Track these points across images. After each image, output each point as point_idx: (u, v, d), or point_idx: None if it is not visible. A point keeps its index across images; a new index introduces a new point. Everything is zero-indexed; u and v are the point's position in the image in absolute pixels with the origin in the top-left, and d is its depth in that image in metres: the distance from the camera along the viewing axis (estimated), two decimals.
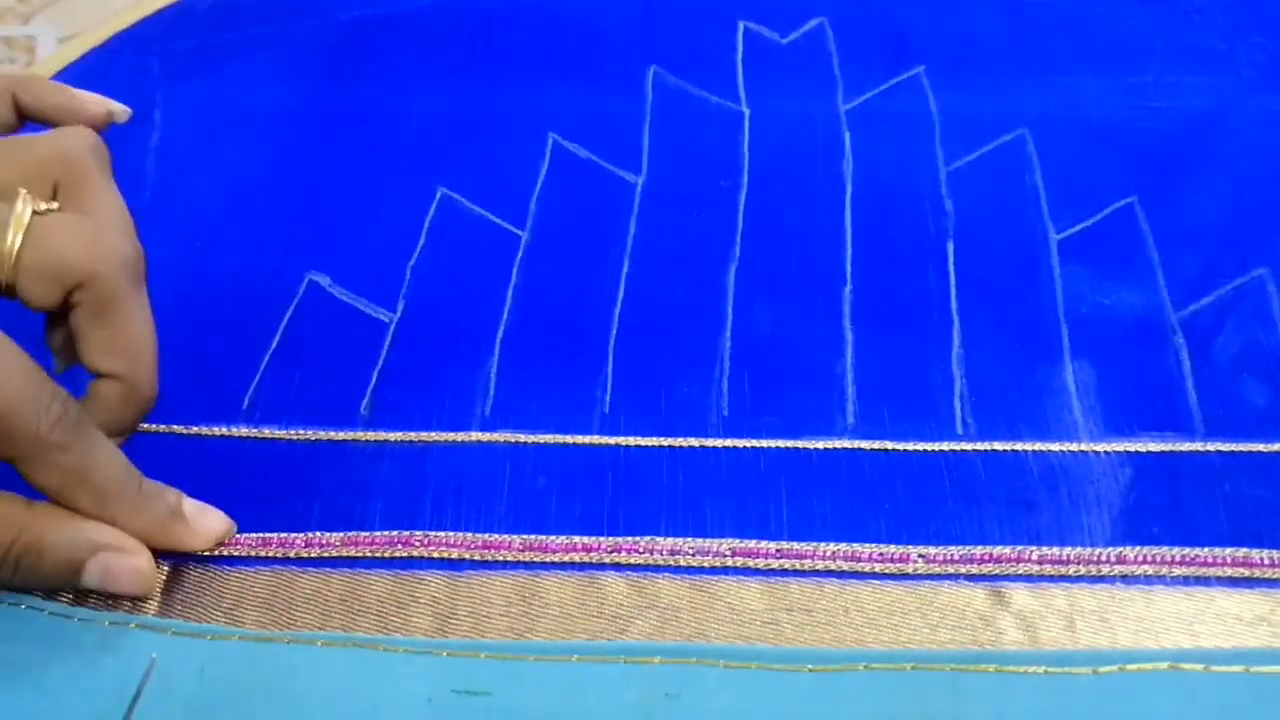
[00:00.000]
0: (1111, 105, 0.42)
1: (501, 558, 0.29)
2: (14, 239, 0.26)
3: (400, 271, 0.37)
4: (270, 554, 0.29)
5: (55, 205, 0.27)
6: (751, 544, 0.29)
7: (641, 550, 0.29)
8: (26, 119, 0.30)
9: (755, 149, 0.41)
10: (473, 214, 0.39)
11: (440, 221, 0.38)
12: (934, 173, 0.40)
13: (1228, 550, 0.29)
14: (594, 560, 0.29)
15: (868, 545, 0.29)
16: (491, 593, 0.28)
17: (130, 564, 0.26)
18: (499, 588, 0.28)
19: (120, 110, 0.31)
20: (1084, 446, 0.31)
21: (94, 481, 0.26)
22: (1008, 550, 0.29)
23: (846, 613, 0.28)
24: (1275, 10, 0.46)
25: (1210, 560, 0.28)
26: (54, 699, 0.26)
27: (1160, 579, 0.28)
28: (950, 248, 0.37)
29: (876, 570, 0.29)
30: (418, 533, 0.29)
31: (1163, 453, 0.31)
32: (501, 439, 0.32)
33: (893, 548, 0.29)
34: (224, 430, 0.32)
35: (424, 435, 0.32)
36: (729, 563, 0.29)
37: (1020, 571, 0.28)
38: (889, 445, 0.31)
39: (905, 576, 0.28)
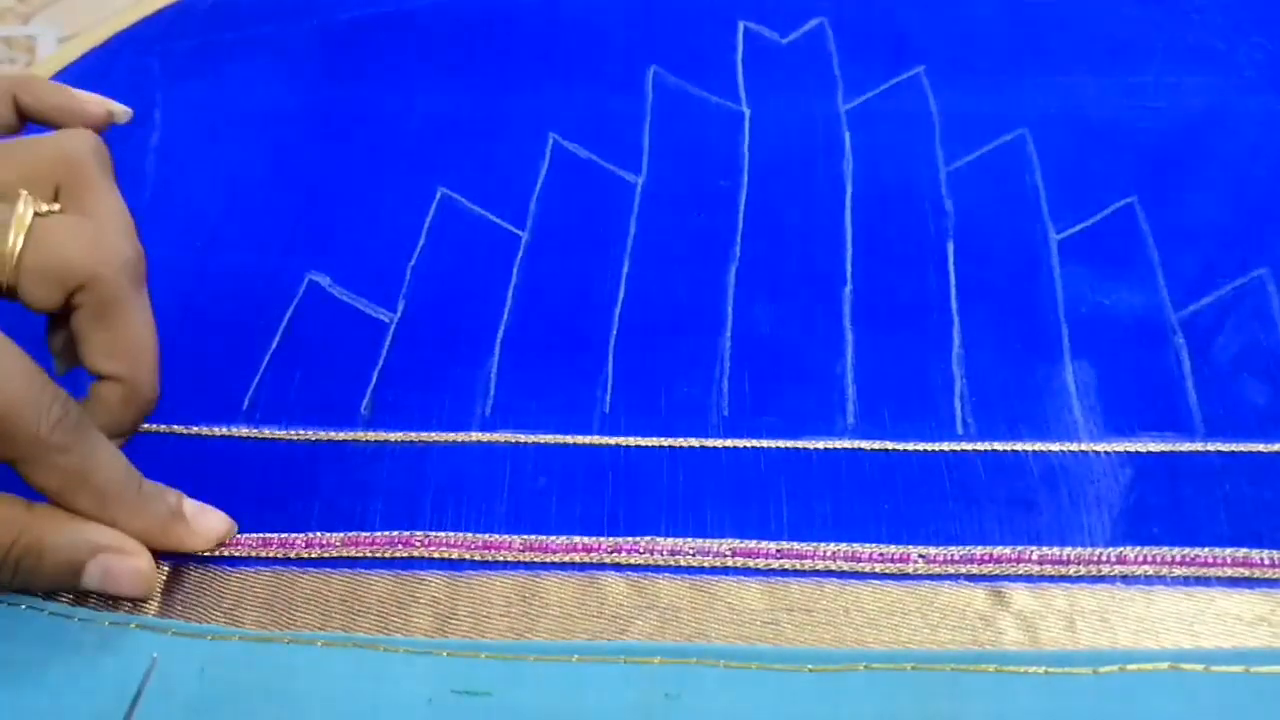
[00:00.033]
0: (1111, 105, 0.42)
1: (502, 558, 0.29)
2: (15, 240, 0.26)
3: (400, 271, 0.37)
4: (270, 554, 0.29)
5: (57, 207, 0.27)
6: (752, 544, 0.29)
7: (642, 550, 0.29)
8: (27, 120, 0.30)
9: (755, 149, 0.41)
10: (473, 214, 0.39)
11: (440, 221, 0.38)
12: (934, 173, 0.40)
13: (1228, 550, 0.29)
14: (594, 560, 0.29)
15: (868, 545, 0.29)
16: (492, 593, 0.28)
17: (130, 565, 0.26)
18: (499, 588, 0.28)
19: (121, 111, 0.31)
20: (1084, 446, 0.31)
21: (94, 483, 0.26)
22: (1008, 550, 0.29)
23: (847, 613, 0.28)
24: (1275, 10, 0.46)
25: (1210, 560, 0.28)
26: (54, 699, 0.26)
27: (1160, 579, 0.28)
28: (950, 248, 0.37)
29: (877, 570, 0.29)
30: (418, 533, 0.29)
31: (1163, 453, 0.31)
32: (502, 439, 0.32)
33: (893, 548, 0.29)
34: (224, 430, 0.32)
35: (424, 435, 0.32)
36: (729, 563, 0.29)
37: (1020, 572, 0.28)
38: (889, 445, 0.31)
39: (905, 577, 0.29)
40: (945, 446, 0.31)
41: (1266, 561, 0.28)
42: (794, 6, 0.47)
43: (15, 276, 0.26)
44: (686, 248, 0.37)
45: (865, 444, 0.31)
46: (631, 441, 0.32)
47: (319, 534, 0.29)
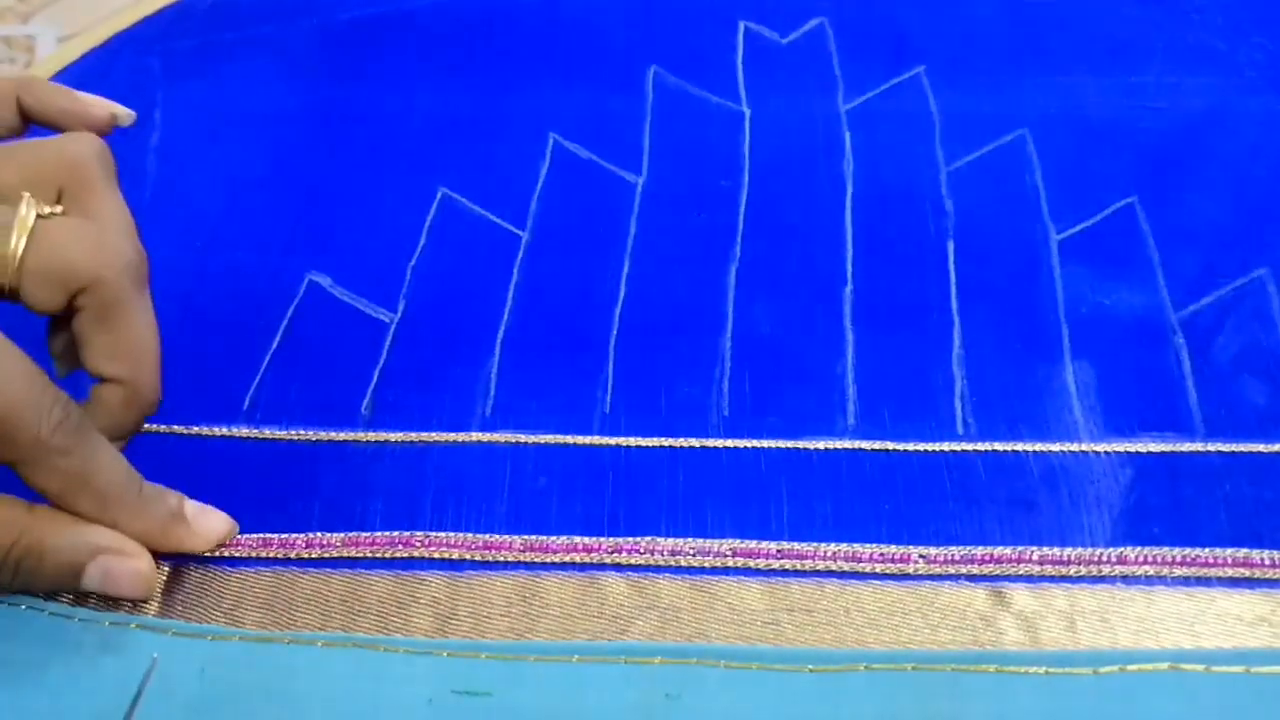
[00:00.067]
0: (1112, 105, 0.42)
1: (502, 558, 0.29)
2: (17, 242, 0.26)
3: (401, 271, 0.37)
4: (271, 555, 0.29)
5: (59, 209, 0.27)
6: (752, 544, 0.29)
7: (642, 550, 0.29)
8: (31, 122, 0.30)
9: (756, 149, 0.41)
10: (473, 214, 0.39)
11: (441, 221, 0.38)
12: (934, 173, 0.40)
13: (1228, 551, 0.29)
14: (594, 560, 0.29)
15: (868, 545, 0.29)
16: (492, 593, 0.28)
17: (130, 567, 0.26)
18: (499, 588, 0.28)
19: (124, 114, 0.31)
20: (1084, 447, 0.31)
21: (95, 485, 0.26)
22: (1008, 550, 0.29)
23: (847, 613, 0.28)
24: (1276, 10, 0.46)
25: (1211, 560, 0.28)
26: (54, 699, 0.26)
27: (1161, 579, 0.28)
28: (950, 248, 0.37)
29: (877, 570, 0.29)
30: (418, 533, 0.29)
31: (1163, 453, 0.31)
32: (502, 439, 0.32)
33: (893, 548, 0.29)
34: (225, 430, 0.32)
35: (424, 435, 0.32)
36: (730, 563, 0.29)
37: (1021, 572, 0.28)
38: (889, 445, 0.31)
39: (906, 577, 0.28)
40: (946, 447, 0.31)
41: (1267, 562, 0.28)
42: (794, 6, 0.47)
43: (17, 278, 0.26)
44: (687, 248, 0.37)
45: (866, 444, 0.31)
46: (632, 441, 0.32)
47: (319, 534, 0.29)
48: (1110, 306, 0.35)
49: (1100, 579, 0.28)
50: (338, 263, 0.37)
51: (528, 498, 0.30)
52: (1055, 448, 0.31)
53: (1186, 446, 0.31)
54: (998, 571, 0.28)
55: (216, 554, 0.29)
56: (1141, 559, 0.29)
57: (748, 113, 0.42)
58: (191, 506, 0.28)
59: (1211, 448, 0.31)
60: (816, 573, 0.29)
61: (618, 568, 0.29)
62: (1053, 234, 0.37)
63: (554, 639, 0.27)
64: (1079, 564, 0.29)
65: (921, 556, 0.29)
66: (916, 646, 0.27)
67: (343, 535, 0.29)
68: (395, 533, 0.29)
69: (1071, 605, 0.28)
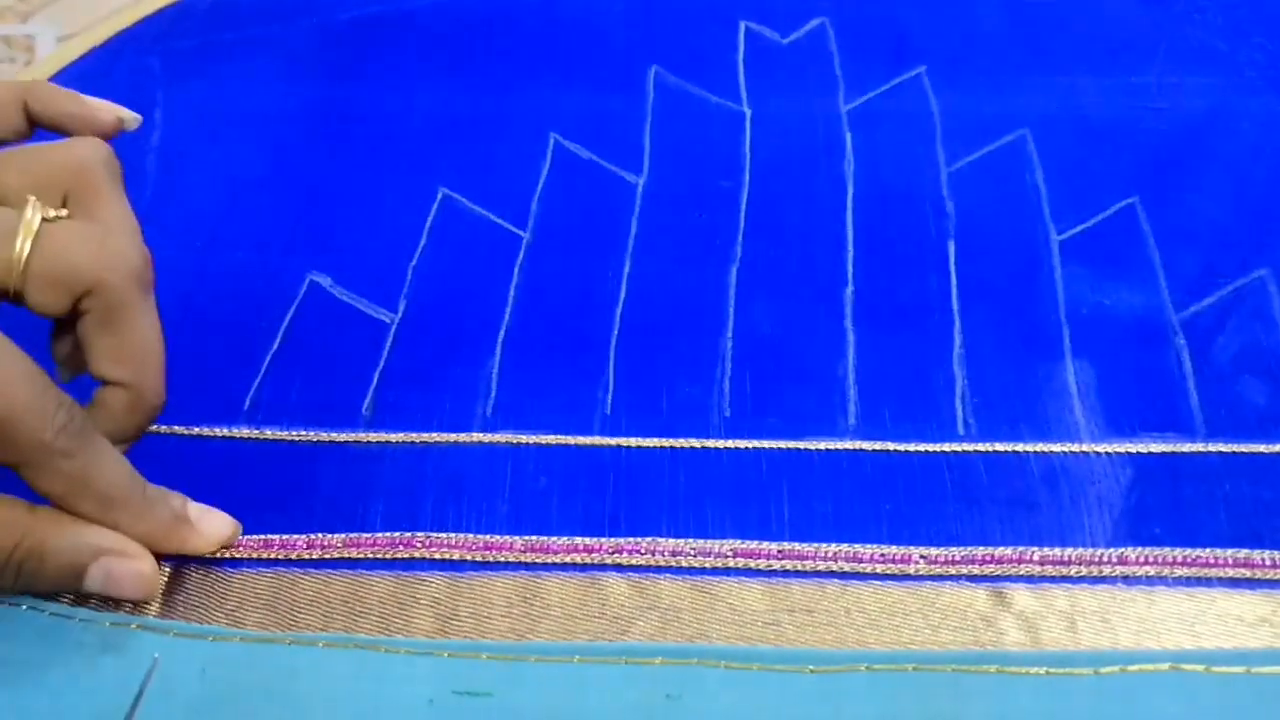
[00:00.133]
0: (1113, 105, 0.42)
1: (503, 558, 0.29)
2: (23, 245, 0.26)
3: (401, 272, 0.37)
4: (272, 556, 0.29)
5: (65, 212, 0.27)
6: (753, 545, 0.29)
7: (643, 551, 0.29)
8: (37, 126, 0.30)
9: (756, 149, 0.41)
10: (474, 214, 0.39)
11: (441, 222, 0.38)
12: (935, 173, 0.40)
13: (1229, 551, 0.29)
14: (595, 561, 0.29)
15: (869, 546, 0.29)
16: (493, 594, 0.28)
17: (132, 568, 0.26)
18: (500, 589, 0.28)
19: (131, 117, 0.31)
20: (1085, 447, 0.31)
21: (98, 488, 0.26)
22: (1009, 551, 0.29)
23: (848, 613, 0.28)
24: (1276, 10, 0.46)
25: (1212, 561, 0.28)
26: (55, 699, 0.26)
27: (1162, 580, 0.28)
28: (951, 248, 0.37)
29: (878, 571, 0.29)
30: (419, 534, 0.29)
31: (1164, 453, 0.31)
32: (503, 440, 0.32)
33: (894, 548, 0.29)
34: (225, 431, 0.32)
35: (425, 436, 0.32)
36: (730, 563, 0.29)
37: (1021, 572, 0.28)
38: (890, 446, 0.31)
39: (907, 577, 0.28)
40: (946, 447, 0.31)
41: (1268, 562, 0.28)
42: (795, 6, 0.47)
43: (22, 281, 0.26)
44: (688, 248, 0.37)
45: (866, 444, 0.31)
46: (633, 442, 0.32)
47: (320, 535, 0.29)
48: (1111, 307, 0.35)
49: (1101, 579, 0.28)
50: (338, 263, 0.37)
51: (528, 498, 0.30)
52: (1056, 448, 0.31)
53: (1187, 447, 0.31)
54: (998, 572, 0.28)
55: (218, 555, 0.29)
56: (1142, 559, 0.29)
57: (748, 113, 0.42)
58: (195, 508, 0.28)
59: (1212, 448, 0.31)
60: (817, 573, 0.29)
61: (618, 568, 0.29)
62: (1053, 234, 0.37)
63: (555, 639, 0.27)
64: (1080, 564, 0.29)
65: (922, 557, 0.29)
66: (917, 647, 0.27)
67: (344, 536, 0.29)
68: (396, 533, 0.29)
69: (1072, 605, 0.28)
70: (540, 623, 0.28)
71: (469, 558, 0.29)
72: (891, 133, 0.41)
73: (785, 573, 0.29)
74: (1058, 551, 0.29)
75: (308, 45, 0.46)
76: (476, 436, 0.32)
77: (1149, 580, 0.28)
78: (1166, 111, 0.41)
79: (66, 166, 0.27)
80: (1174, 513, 0.30)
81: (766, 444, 0.31)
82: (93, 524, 0.26)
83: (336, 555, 0.29)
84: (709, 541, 0.29)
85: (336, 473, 0.31)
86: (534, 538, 0.29)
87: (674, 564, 0.29)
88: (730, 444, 0.31)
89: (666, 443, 0.32)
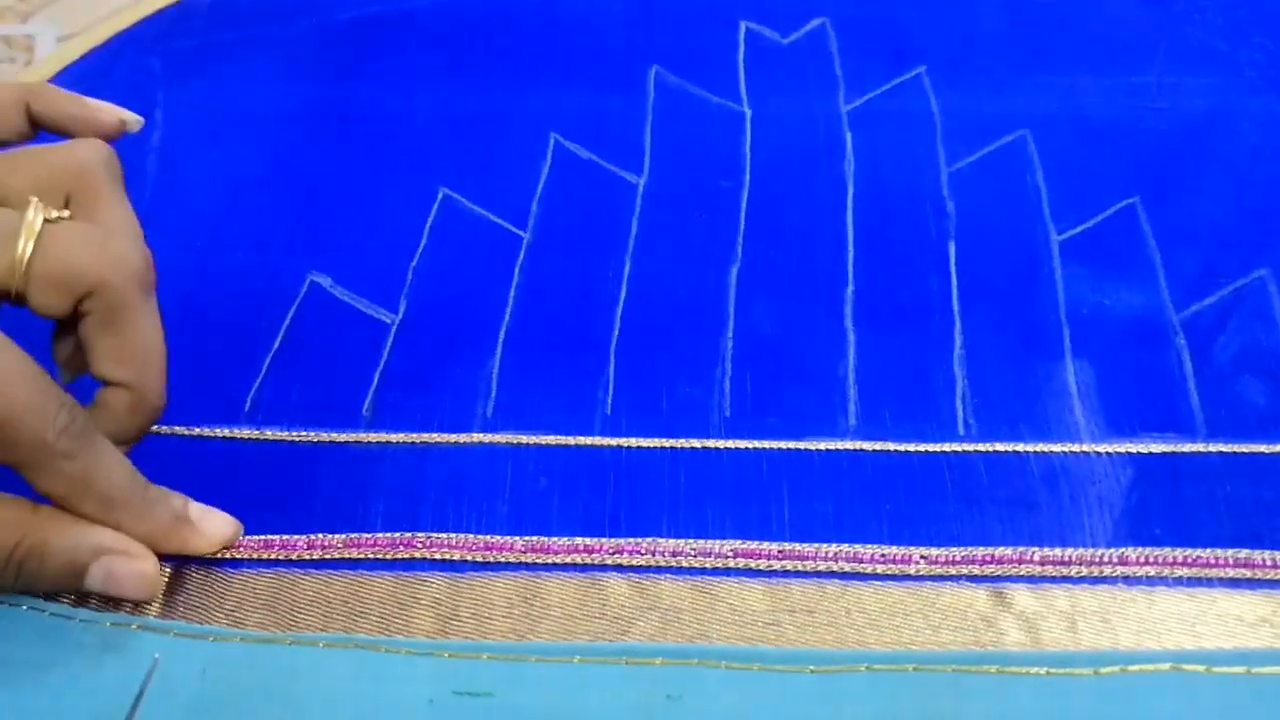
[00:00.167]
0: (1113, 106, 0.42)
1: (503, 559, 0.29)
2: (25, 247, 0.26)
3: (402, 272, 0.37)
4: (272, 556, 0.29)
5: (66, 214, 0.27)
6: (753, 545, 0.29)
7: (643, 551, 0.29)
8: (40, 128, 0.30)
9: (757, 149, 0.41)
10: (474, 214, 0.39)
11: (442, 222, 0.38)
12: (935, 173, 0.40)
13: (1229, 551, 0.29)
14: (596, 561, 0.29)
15: (870, 546, 0.29)
16: (493, 594, 0.28)
17: (134, 568, 0.26)
18: (501, 589, 0.28)
19: (133, 119, 0.31)
20: (1085, 447, 0.31)
21: (99, 489, 0.26)
22: (1009, 551, 0.29)
23: (848, 614, 0.28)
24: (1276, 10, 0.46)
25: (1212, 561, 0.28)
26: (55, 699, 0.26)
27: (1162, 580, 0.28)
28: (952, 248, 0.37)
29: (878, 571, 0.29)
30: (419, 534, 0.29)
31: (1164, 453, 0.31)
32: (503, 440, 0.32)
33: (894, 549, 0.29)
34: (226, 432, 0.32)
35: (425, 436, 0.32)
36: (731, 564, 0.29)
37: (1022, 572, 0.28)
38: (891, 446, 0.31)
39: (907, 577, 0.29)
40: (947, 447, 0.31)
41: (1268, 562, 0.28)
42: (795, 7, 0.47)
43: (25, 283, 0.26)
44: (688, 248, 0.37)
45: (867, 445, 0.31)
46: (633, 442, 0.32)
47: (321, 536, 0.29)
48: (1111, 307, 0.35)
49: (1101, 579, 0.28)
50: (339, 263, 0.37)
51: (529, 498, 0.30)
52: (1056, 448, 0.31)
53: (1188, 447, 0.31)
54: (999, 572, 0.28)
55: (220, 556, 0.29)
56: (1143, 559, 0.29)
57: (749, 113, 0.42)
58: (196, 509, 0.28)
59: (1213, 448, 0.31)
60: (818, 573, 0.29)
61: (619, 568, 0.29)
62: (1054, 234, 0.37)
63: (555, 640, 0.27)
64: (1080, 564, 0.29)
65: (923, 557, 0.29)
66: (918, 647, 0.27)
67: (344, 536, 0.29)
68: (396, 534, 0.29)
69: (1073, 606, 0.28)
70: (541, 623, 0.28)
71: (469, 558, 0.29)
72: (892, 133, 0.41)
73: (786, 573, 0.29)
74: (1058, 552, 0.29)
75: (308, 45, 0.46)
76: (477, 437, 0.32)
77: (1149, 580, 0.28)
78: (1166, 111, 0.41)
79: (68, 168, 0.27)
80: (1174, 513, 0.30)
81: (767, 444, 0.31)
82: (94, 524, 0.26)
83: (337, 556, 0.29)
84: (709, 542, 0.29)
85: (337, 473, 0.31)
86: (534, 538, 0.29)
87: (674, 564, 0.29)
88: (730, 444, 0.31)
89: (667, 443, 0.32)
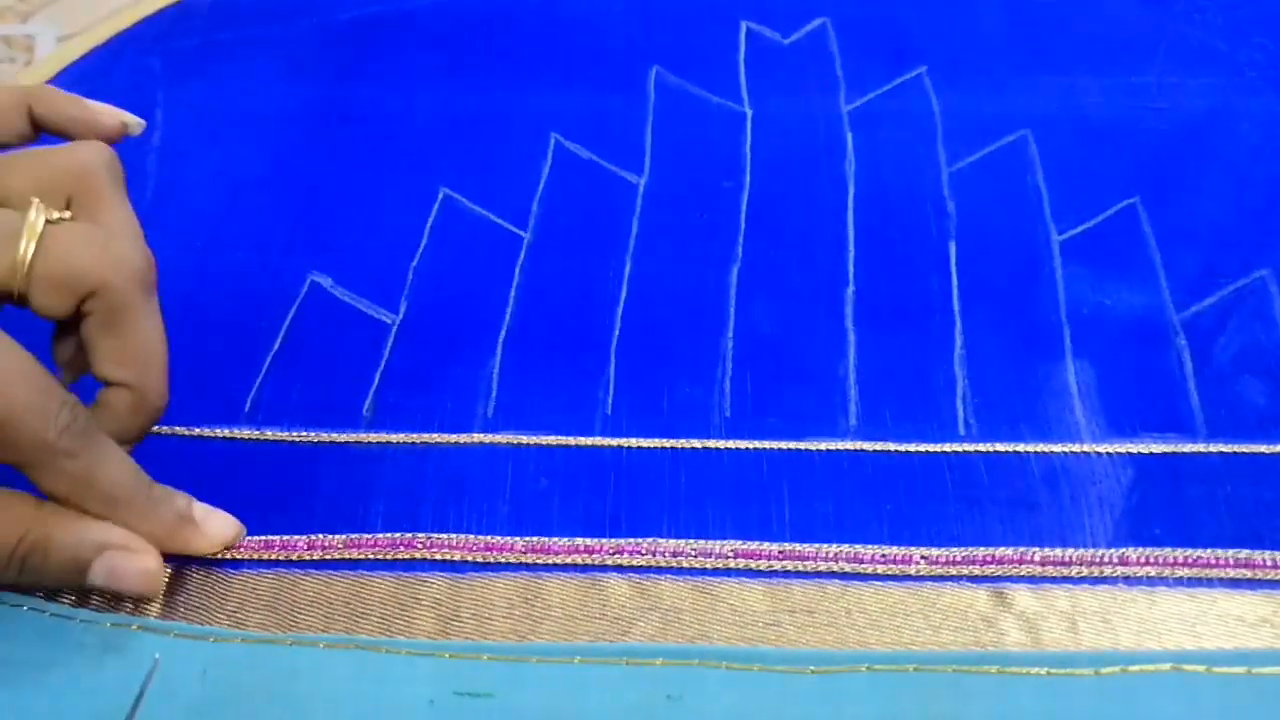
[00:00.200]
0: (1113, 106, 0.42)
1: (504, 559, 0.29)
2: (26, 247, 0.26)
3: (402, 272, 0.37)
4: (273, 556, 0.29)
5: (68, 214, 0.27)
6: (754, 545, 0.29)
7: (644, 552, 0.29)
8: (42, 131, 0.30)
9: (757, 149, 0.41)
10: (475, 214, 0.39)
11: (442, 222, 0.38)
12: (936, 173, 0.40)
13: (1230, 551, 0.29)
14: (596, 562, 0.29)
15: (870, 546, 0.29)
16: (494, 594, 0.28)
17: (137, 563, 0.26)
18: (501, 589, 0.28)
19: (135, 122, 0.31)
20: (1086, 447, 0.31)
21: (102, 488, 0.26)
22: (1010, 551, 0.29)
23: (849, 614, 0.28)
24: (1276, 10, 0.46)
25: (1213, 561, 0.28)
26: (56, 700, 0.26)
27: (1163, 580, 0.28)
28: (952, 248, 0.37)
29: (879, 572, 0.29)
30: (420, 534, 0.29)
31: (1165, 454, 0.31)
32: (504, 440, 0.32)
33: (895, 549, 0.29)
34: (226, 432, 0.32)
35: (426, 437, 0.32)
36: (731, 564, 0.29)
37: (1022, 573, 0.28)
38: (891, 446, 0.31)
39: (907, 578, 0.29)
40: (947, 447, 0.31)
41: (1269, 562, 0.28)
42: (796, 7, 0.47)
43: (26, 284, 0.26)
44: (688, 248, 0.37)
45: (867, 445, 0.31)
46: (633, 442, 0.32)
47: (321, 536, 0.29)
48: (1112, 307, 0.35)
49: (1102, 580, 0.28)
50: (339, 263, 0.37)
51: (529, 499, 0.30)
52: (1057, 448, 0.31)
53: (1188, 447, 0.31)
54: (999, 572, 0.28)
55: (221, 556, 0.29)
56: (1143, 560, 0.29)
57: (749, 113, 0.42)
58: (200, 509, 0.28)
59: (1213, 448, 0.31)
60: (818, 574, 0.29)
61: (619, 569, 0.29)
62: (1054, 234, 0.37)
63: (556, 640, 0.27)
64: (1081, 565, 0.29)
65: (923, 557, 0.29)
66: (918, 647, 0.27)
67: (344, 537, 0.29)
68: (397, 534, 0.29)
69: (1073, 606, 0.28)
70: (541, 623, 0.28)
71: (470, 558, 0.29)
72: (892, 133, 0.41)
73: (786, 573, 0.29)
74: (1059, 552, 0.29)
75: (308, 45, 0.46)
76: (477, 437, 0.32)
77: (1150, 581, 0.28)
78: (1167, 111, 0.41)
79: (69, 170, 0.27)
80: (1175, 513, 0.30)
81: (767, 444, 0.31)
82: (97, 519, 0.26)
83: (337, 556, 0.29)
84: (710, 542, 0.29)
85: (337, 473, 0.31)
86: (535, 538, 0.29)
87: (675, 565, 0.29)
88: (731, 444, 0.31)
89: (667, 443, 0.32)
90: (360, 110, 0.43)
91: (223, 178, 0.40)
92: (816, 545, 0.29)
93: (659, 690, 0.26)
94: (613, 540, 0.29)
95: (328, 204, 0.39)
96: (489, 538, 0.29)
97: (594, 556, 0.29)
